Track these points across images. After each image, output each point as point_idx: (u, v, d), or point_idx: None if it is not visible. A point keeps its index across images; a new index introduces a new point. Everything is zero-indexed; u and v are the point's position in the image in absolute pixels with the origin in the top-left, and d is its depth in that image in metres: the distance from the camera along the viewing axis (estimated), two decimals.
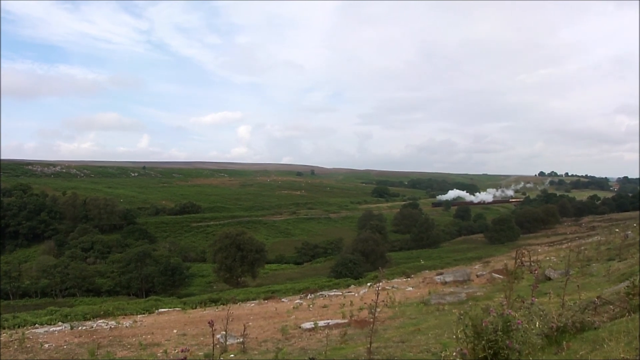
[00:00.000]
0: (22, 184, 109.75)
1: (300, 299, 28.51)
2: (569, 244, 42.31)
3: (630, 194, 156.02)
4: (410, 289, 25.32)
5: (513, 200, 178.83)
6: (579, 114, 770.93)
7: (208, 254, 76.35)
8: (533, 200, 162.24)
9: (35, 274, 61.52)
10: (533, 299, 5.89)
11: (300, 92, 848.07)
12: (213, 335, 6.12)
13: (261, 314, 20.45)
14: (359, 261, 57.15)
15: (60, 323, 21.45)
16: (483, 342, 4.96)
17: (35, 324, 21.58)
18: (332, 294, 29.60)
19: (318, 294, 30.28)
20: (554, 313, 6.43)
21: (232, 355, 10.43)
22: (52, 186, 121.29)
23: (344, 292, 30.58)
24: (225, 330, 10.63)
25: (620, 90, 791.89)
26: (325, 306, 21.06)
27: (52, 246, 79.55)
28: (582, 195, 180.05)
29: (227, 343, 11.01)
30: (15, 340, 14.17)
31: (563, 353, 5.39)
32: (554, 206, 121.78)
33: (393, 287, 27.22)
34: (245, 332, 11.21)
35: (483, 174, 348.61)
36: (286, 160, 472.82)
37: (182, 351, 3.94)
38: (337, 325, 13.38)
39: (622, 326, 5.72)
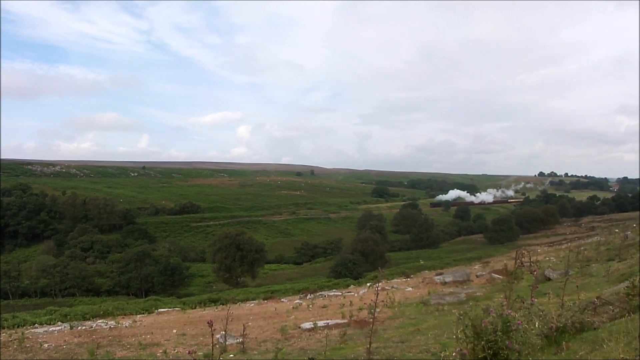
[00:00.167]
0: (21, 184, 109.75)
1: (300, 299, 28.50)
2: (569, 244, 42.32)
3: (629, 195, 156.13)
4: (410, 289, 25.32)
5: (512, 200, 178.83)
6: (579, 114, 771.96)
7: (208, 254, 76.33)
8: (533, 200, 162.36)
9: (35, 274, 61.49)
10: (533, 299, 5.90)
11: (300, 92, 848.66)
12: (212, 335, 6.12)
13: (261, 314, 20.44)
14: (358, 261, 57.14)
15: (59, 323, 21.44)
16: (483, 342, 4.96)
17: (34, 324, 21.56)
18: (332, 294, 29.59)
19: (317, 294, 30.26)
20: (553, 313, 6.43)
21: (231, 355, 10.43)
22: (52, 186, 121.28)
23: (344, 292, 30.56)
24: (225, 330, 10.63)
25: (620, 90, 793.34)
26: (324, 306, 21.06)
27: (52, 246, 79.51)
28: (581, 196, 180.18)
29: (227, 343, 11.01)
30: (15, 340, 14.17)
31: (563, 353, 5.40)
32: (553, 206, 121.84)
33: (392, 287, 27.22)
34: (244, 332, 11.21)
35: (483, 174, 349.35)
36: (286, 160, 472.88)
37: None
38: (336, 326, 13.38)
39: (621, 326, 5.72)
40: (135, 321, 20.37)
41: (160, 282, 59.73)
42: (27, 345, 13.53)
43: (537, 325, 5.50)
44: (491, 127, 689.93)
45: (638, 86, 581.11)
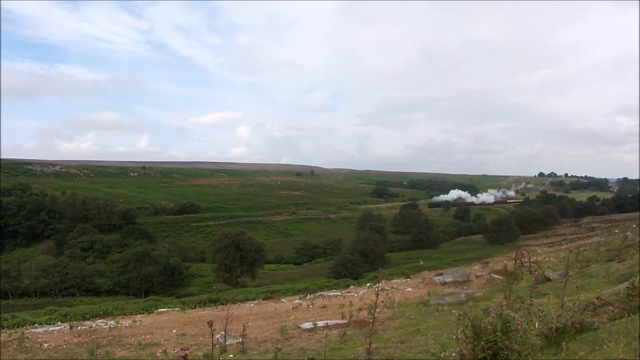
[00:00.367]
0: (21, 184, 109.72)
1: (300, 299, 28.49)
2: (569, 244, 42.28)
3: (629, 195, 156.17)
4: (410, 289, 25.31)
5: (511, 201, 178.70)
6: (579, 115, 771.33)
7: (207, 254, 76.29)
8: (532, 201, 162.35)
9: (35, 274, 61.47)
10: (532, 299, 5.90)
11: (300, 92, 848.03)
12: (212, 335, 6.12)
13: (260, 314, 20.44)
14: (358, 261, 57.12)
15: (59, 323, 21.45)
16: (482, 342, 4.96)
17: (34, 324, 21.56)
18: (332, 294, 29.57)
19: (317, 294, 30.25)
20: (553, 314, 6.44)
21: (231, 356, 10.43)
22: (52, 186, 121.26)
23: (344, 292, 30.55)
24: (225, 331, 10.62)
25: (620, 90, 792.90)
26: (324, 306, 21.05)
27: (52, 246, 79.48)
28: (581, 196, 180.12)
29: (227, 343, 11.01)
30: (15, 339, 14.17)
31: (562, 354, 5.40)
32: (553, 207, 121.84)
33: (392, 287, 27.21)
34: (244, 332, 11.20)
35: (482, 175, 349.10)
36: (286, 160, 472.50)
37: (182, 349, 3.91)
38: (336, 326, 13.38)
39: (621, 327, 5.72)
40: (135, 321, 20.37)
41: (160, 282, 59.73)
42: (27, 345, 13.53)
43: (536, 326, 5.50)
44: (491, 128, 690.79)
45: (638, 86, 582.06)
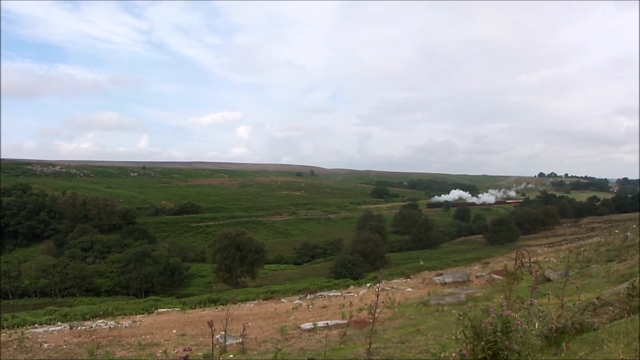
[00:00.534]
0: (21, 184, 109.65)
1: (300, 299, 28.46)
2: (569, 245, 42.29)
3: (629, 195, 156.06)
4: (410, 289, 25.30)
5: (510, 201, 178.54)
6: (579, 115, 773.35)
7: (207, 254, 76.30)
8: (532, 201, 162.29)
9: (35, 274, 61.47)
10: (532, 300, 5.89)
11: (300, 92, 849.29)
12: (212, 335, 6.12)
13: (260, 314, 20.44)
14: (358, 262, 57.13)
15: (59, 323, 21.43)
16: (482, 343, 4.96)
17: (34, 324, 21.55)
18: (332, 294, 29.54)
19: (317, 294, 30.22)
20: (553, 314, 6.43)
21: (231, 356, 10.43)
22: (52, 186, 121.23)
23: (344, 292, 30.52)
24: (225, 331, 10.63)
25: (620, 91, 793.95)
26: (324, 307, 21.04)
27: (52, 246, 79.48)
28: (581, 197, 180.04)
29: (227, 343, 11.01)
30: (15, 339, 14.16)
31: (562, 354, 5.40)
32: (553, 207, 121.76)
33: (392, 287, 27.18)
34: (244, 333, 11.21)
35: (482, 175, 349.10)
36: (286, 160, 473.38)
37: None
38: (336, 326, 13.38)
39: (621, 327, 5.72)
40: (135, 321, 20.36)
41: (160, 282, 59.72)
42: (27, 345, 13.52)
43: (536, 326, 5.50)
44: (491, 128, 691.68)
45: (638, 86, 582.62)
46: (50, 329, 18.09)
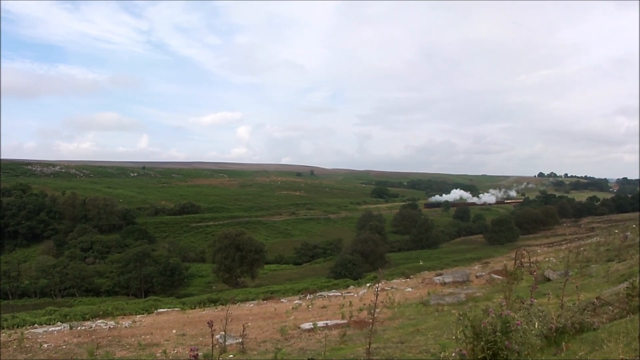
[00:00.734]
0: (21, 184, 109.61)
1: (300, 299, 28.46)
2: (568, 245, 42.32)
3: (629, 195, 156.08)
4: (410, 289, 25.30)
5: (510, 201, 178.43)
6: (579, 115, 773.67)
7: (207, 254, 76.24)
8: (532, 201, 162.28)
9: (35, 274, 61.46)
10: (532, 299, 5.89)
11: (300, 92, 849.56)
12: (212, 335, 6.12)
13: (260, 314, 20.43)
14: (358, 262, 57.11)
15: (59, 323, 21.43)
16: (482, 342, 4.96)
17: (34, 324, 21.55)
18: (332, 294, 29.54)
19: (317, 294, 30.21)
20: (553, 314, 6.43)
21: (231, 356, 10.43)
22: (52, 186, 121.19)
23: (343, 292, 30.52)
24: (225, 331, 10.63)
25: (620, 91, 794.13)
26: (324, 307, 21.04)
27: (52, 246, 79.46)
28: (581, 196, 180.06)
29: (226, 343, 11.01)
30: (15, 340, 14.16)
31: (562, 354, 5.40)
32: (553, 207, 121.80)
33: (392, 287, 27.19)
34: (244, 333, 11.21)
35: (482, 175, 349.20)
36: (285, 160, 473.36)
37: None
38: (336, 326, 13.38)
39: (621, 327, 5.72)
40: (134, 321, 20.36)
41: (159, 282, 59.70)
42: (27, 345, 13.52)
43: (536, 326, 5.49)
44: (491, 128, 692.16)
45: (638, 86, 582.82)
46: (50, 329, 18.08)
